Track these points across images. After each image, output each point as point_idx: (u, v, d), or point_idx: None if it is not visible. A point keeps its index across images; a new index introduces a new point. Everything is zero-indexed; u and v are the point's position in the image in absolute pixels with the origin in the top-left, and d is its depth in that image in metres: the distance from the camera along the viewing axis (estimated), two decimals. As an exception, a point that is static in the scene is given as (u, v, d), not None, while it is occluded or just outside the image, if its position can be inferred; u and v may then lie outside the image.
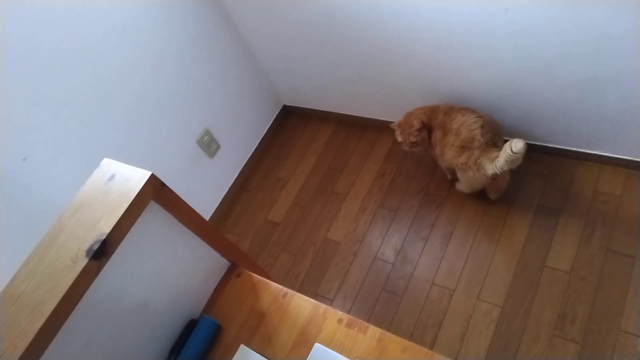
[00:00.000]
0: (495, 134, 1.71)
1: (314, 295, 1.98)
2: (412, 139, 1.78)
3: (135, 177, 0.90)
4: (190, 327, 1.07)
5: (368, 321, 1.84)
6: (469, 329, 1.69)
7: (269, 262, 2.15)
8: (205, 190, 2.29)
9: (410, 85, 2.01)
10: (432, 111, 1.84)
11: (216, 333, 1.06)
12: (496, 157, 1.56)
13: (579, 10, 1.36)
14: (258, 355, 0.97)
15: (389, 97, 2.15)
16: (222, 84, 2.22)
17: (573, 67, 1.54)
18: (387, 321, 1.81)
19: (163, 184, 0.92)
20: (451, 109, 1.80)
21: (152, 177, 0.90)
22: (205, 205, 2.32)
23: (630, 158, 1.78)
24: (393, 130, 1.93)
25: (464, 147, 1.68)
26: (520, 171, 1.94)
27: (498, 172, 1.57)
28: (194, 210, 1.00)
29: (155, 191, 0.92)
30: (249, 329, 1.05)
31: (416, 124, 1.77)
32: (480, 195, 1.96)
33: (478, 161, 1.64)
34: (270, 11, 2.00)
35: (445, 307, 1.77)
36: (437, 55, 1.78)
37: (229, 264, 1.16)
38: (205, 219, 1.04)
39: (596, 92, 1.59)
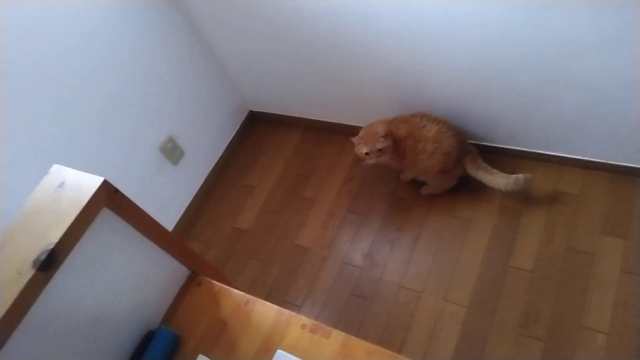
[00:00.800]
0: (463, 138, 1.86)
1: (282, 302, 1.95)
2: (379, 145, 1.78)
3: (86, 184, 0.86)
4: (147, 339, 1.03)
5: (336, 326, 1.82)
6: (436, 330, 1.70)
7: (237, 270, 2.11)
8: (169, 198, 2.24)
9: (375, 90, 2.02)
10: (391, 123, 1.86)
11: (175, 344, 1.03)
12: (496, 174, 1.81)
13: (536, 14, 1.40)
14: (218, 365, 0.94)
15: (355, 102, 2.16)
16: (186, 90, 2.19)
17: (531, 70, 1.58)
18: (356, 325, 1.81)
19: (117, 190, 0.89)
20: (410, 118, 1.85)
21: (105, 183, 0.86)
22: (170, 213, 2.27)
23: (587, 158, 1.84)
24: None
25: (447, 154, 1.79)
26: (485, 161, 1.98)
27: (503, 189, 1.80)
28: (151, 218, 0.97)
29: (108, 198, 0.88)
30: (210, 339, 1.02)
31: (381, 130, 1.78)
32: (445, 198, 1.99)
33: (474, 174, 1.85)
34: (235, 16, 1.99)
35: (413, 310, 1.78)
36: (400, 60, 1.79)
37: (189, 272, 1.13)
38: (163, 226, 1.00)
39: (553, 95, 1.64)
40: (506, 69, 1.62)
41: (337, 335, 0.96)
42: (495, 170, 1.83)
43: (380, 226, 2.03)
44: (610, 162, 1.80)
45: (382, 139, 1.78)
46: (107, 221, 0.90)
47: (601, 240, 1.72)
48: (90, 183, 0.86)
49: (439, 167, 1.83)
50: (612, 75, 1.48)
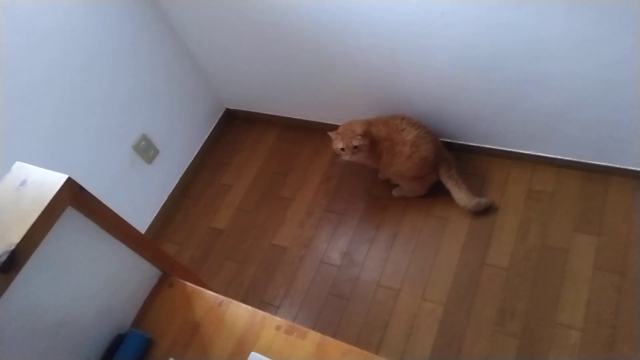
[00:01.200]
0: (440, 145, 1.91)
1: (260, 302, 1.93)
2: (355, 142, 1.78)
3: (49, 182, 0.82)
4: (117, 342, 0.99)
5: (315, 326, 1.82)
6: (413, 328, 1.70)
7: (213, 271, 2.07)
8: (143, 197, 2.19)
9: (353, 88, 2.01)
10: (370, 123, 1.86)
11: (146, 348, 0.99)
12: (463, 191, 1.86)
13: (510, 13, 1.41)
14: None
15: (333, 100, 2.15)
16: (161, 87, 2.14)
17: (505, 69, 1.59)
18: (334, 325, 1.79)
19: (82, 188, 0.85)
20: (390, 119, 1.85)
21: (69, 180, 0.83)
22: (144, 213, 2.21)
23: (560, 157, 1.87)
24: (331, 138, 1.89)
25: (424, 159, 1.81)
26: (458, 172, 2.00)
27: (462, 206, 1.88)
28: (119, 217, 0.93)
29: (73, 196, 0.84)
30: (182, 342, 0.99)
31: (359, 129, 1.77)
32: (422, 196, 1.99)
33: (445, 183, 1.89)
34: (210, 11, 1.95)
35: (391, 308, 1.77)
36: (378, 59, 1.79)
37: (161, 273, 1.09)
38: (132, 226, 0.97)
39: (527, 94, 1.65)
40: (481, 68, 1.63)
41: (313, 336, 0.95)
42: (464, 186, 1.87)
43: (359, 225, 2.03)
44: (582, 160, 1.83)
45: (358, 137, 1.77)
46: (72, 221, 0.87)
47: (575, 237, 1.74)
48: (53, 181, 0.82)
49: (414, 171, 1.84)
50: (584, 76, 1.50)
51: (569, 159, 1.85)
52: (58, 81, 1.69)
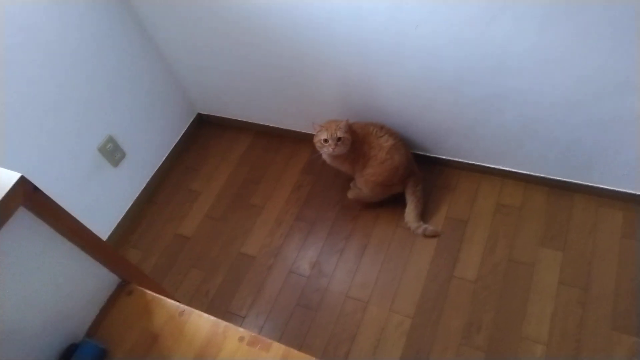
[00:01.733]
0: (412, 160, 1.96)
1: (225, 312, 1.88)
2: (339, 133, 1.76)
3: (0, 180, 0.77)
4: (69, 352, 0.94)
5: (281, 337, 1.78)
6: (381, 340, 1.68)
7: (178, 279, 2.01)
8: (107, 202, 2.11)
9: (327, 97, 2.00)
10: (351, 125, 1.86)
11: (100, 358, 0.94)
12: (417, 224, 1.89)
13: (482, 28, 1.43)
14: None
15: (307, 108, 2.13)
16: (129, 88, 2.08)
17: (476, 83, 1.62)
18: (301, 337, 1.76)
19: (36, 188, 0.81)
20: (369, 125, 1.87)
21: (22, 179, 0.78)
22: (107, 218, 2.13)
23: (528, 173, 1.90)
24: (312, 143, 1.88)
25: (395, 168, 1.83)
26: (429, 185, 2.02)
27: (407, 226, 1.92)
28: (76, 220, 0.88)
29: (26, 196, 0.79)
30: (139, 353, 0.94)
31: (342, 124, 1.78)
32: (393, 208, 1.99)
33: (407, 197, 1.91)
34: (184, 12, 1.91)
35: (359, 320, 1.75)
36: (353, 69, 1.79)
37: (119, 280, 1.04)
38: (90, 230, 0.92)
39: (497, 109, 1.68)
40: (452, 81, 1.65)
41: (277, 349, 0.92)
42: (419, 208, 1.90)
43: (329, 235, 2.01)
44: (549, 176, 1.87)
45: (344, 128, 1.77)
46: (24, 222, 0.82)
47: (541, 252, 1.77)
48: (4, 179, 0.77)
49: (383, 178, 1.85)
50: (551, 93, 1.54)
51: (537, 174, 1.89)
52: (16, 77, 1.61)
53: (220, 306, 1.90)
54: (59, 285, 0.93)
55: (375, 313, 1.76)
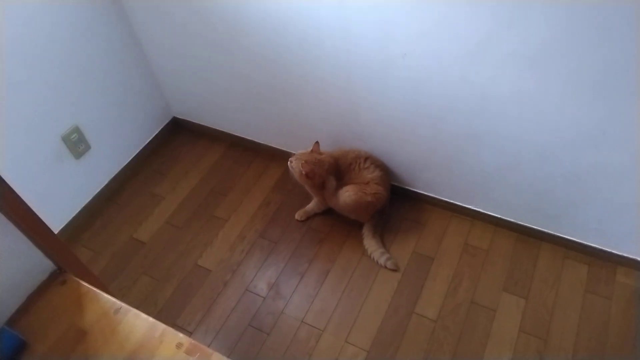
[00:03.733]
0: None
1: (172, 325, 1.73)
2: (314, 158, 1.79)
3: None
4: (-17, 341, 0.83)
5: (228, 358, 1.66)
6: (332, 372, 1.60)
7: (126, 285, 1.89)
8: (63, 194, 1.99)
9: (307, 117, 1.98)
10: (331, 157, 1.86)
11: (18, 351, 0.83)
12: (380, 251, 1.86)
13: (466, 68, 1.44)
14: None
15: (286, 126, 2.10)
16: (104, 80, 2.00)
17: (457, 120, 1.61)
18: (249, 359, 1.65)
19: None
20: (353, 157, 1.87)
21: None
22: (61, 211, 2.01)
23: (498, 216, 1.89)
24: (285, 160, 1.87)
25: (371, 203, 1.82)
26: (400, 217, 1.99)
27: (368, 254, 1.89)
28: (11, 189, 0.80)
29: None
30: (63, 349, 0.84)
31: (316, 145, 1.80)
32: (361, 236, 1.94)
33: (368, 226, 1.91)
34: (170, 14, 1.87)
35: (312, 348, 1.67)
36: (336, 91, 1.77)
37: (54, 267, 0.95)
38: (27, 205, 0.83)
39: (474, 148, 1.68)
40: (432, 116, 1.65)
41: (218, 360, 0.83)
42: (378, 233, 1.91)
43: (292, 256, 1.93)
44: (519, 222, 1.86)
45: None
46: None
47: (504, 297, 1.74)
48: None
49: (353, 205, 1.82)
50: (527, 139, 1.54)
51: (507, 218, 1.88)
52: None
53: (167, 318, 1.78)
54: (-18, 264, 0.83)
55: (329, 342, 1.67)
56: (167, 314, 1.79)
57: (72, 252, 0.97)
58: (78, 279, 0.93)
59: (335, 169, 1.83)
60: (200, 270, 1.92)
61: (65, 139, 1.90)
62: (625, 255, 1.73)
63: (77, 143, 1.95)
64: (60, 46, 1.77)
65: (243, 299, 1.82)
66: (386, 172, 1.90)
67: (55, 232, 1.96)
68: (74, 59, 1.83)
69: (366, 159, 1.86)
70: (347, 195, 1.80)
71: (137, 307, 1.78)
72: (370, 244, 1.87)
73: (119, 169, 2.22)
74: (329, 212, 2.02)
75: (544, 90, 1.39)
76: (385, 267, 1.84)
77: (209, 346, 1.68)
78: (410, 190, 2.02)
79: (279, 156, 2.25)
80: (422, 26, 1.40)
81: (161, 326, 0.86)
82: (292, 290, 1.83)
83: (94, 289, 0.91)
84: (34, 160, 1.81)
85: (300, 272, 1.88)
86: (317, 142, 1.84)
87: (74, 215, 2.05)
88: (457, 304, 1.73)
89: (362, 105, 1.78)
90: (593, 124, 1.40)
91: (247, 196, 2.15)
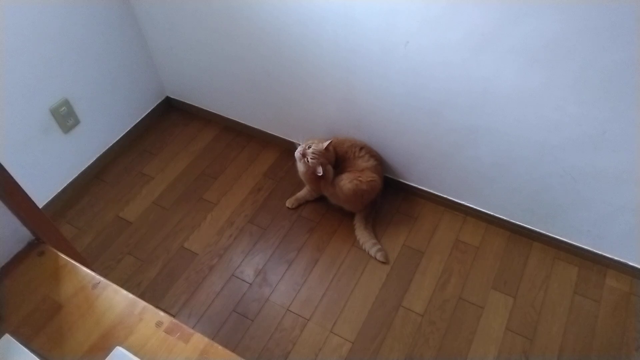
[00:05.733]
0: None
1: (155, 308, 1.72)
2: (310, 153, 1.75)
3: None
4: (-49, 310, 0.79)
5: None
6: (315, 362, 1.57)
7: (110, 265, 1.85)
8: (49, 168, 1.93)
9: (303, 103, 1.94)
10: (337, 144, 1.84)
11: (-12, 322, 0.80)
12: (372, 242, 1.84)
13: (469, 60, 1.41)
14: (25, 350, 0.73)
15: (281, 111, 2.06)
16: (98, 53, 1.94)
17: (457, 112, 1.58)
18: (232, 345, 1.62)
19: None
20: (343, 143, 1.84)
21: None
22: (46, 186, 1.96)
23: (491, 213, 1.87)
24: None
25: (366, 191, 1.79)
26: (392, 209, 1.96)
27: (360, 244, 1.87)
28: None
29: None
30: (36, 323, 0.80)
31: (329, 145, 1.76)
32: (351, 227, 1.91)
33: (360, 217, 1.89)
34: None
35: (296, 337, 1.64)
36: (334, 75, 1.73)
37: (32, 237, 0.90)
38: (7, 172, 0.79)
39: (471, 142, 1.65)
40: (431, 108, 1.62)
41: (198, 341, 0.80)
42: (370, 223, 1.89)
43: (281, 244, 1.90)
44: (512, 220, 1.84)
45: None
46: None
47: (492, 295, 1.72)
48: None
49: (349, 194, 1.78)
50: (525, 136, 1.52)
51: (500, 216, 1.86)
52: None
53: (151, 300, 1.74)
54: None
55: (314, 332, 1.65)
56: (151, 296, 1.76)
57: (52, 223, 0.93)
58: (57, 251, 0.89)
59: (334, 158, 1.80)
60: (186, 253, 1.88)
61: (54, 112, 1.85)
62: (616, 258, 1.72)
63: (66, 117, 1.90)
64: (55, 17, 1.71)
65: (229, 284, 1.79)
66: (380, 162, 1.87)
67: (40, 207, 1.91)
68: (68, 30, 1.78)
69: (361, 148, 1.83)
70: (342, 183, 1.77)
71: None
72: (363, 234, 1.85)
73: (108, 146, 2.17)
74: (320, 201, 1.99)
75: (546, 88, 1.36)
76: (375, 259, 1.81)
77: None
78: (404, 183, 2.00)
79: (273, 142, 2.21)
80: (427, 15, 1.37)
81: (141, 303, 0.83)
82: (279, 278, 1.80)
83: (73, 261, 0.87)
84: (20, 131, 1.75)
85: (289, 259, 1.85)
86: (331, 141, 1.77)
87: (59, 191, 2.00)
88: (445, 300, 1.72)
89: (360, 94, 1.74)
90: (593, 125, 1.38)
91: (238, 181, 2.11)
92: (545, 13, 1.21)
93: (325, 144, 1.73)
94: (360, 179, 1.76)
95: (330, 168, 1.78)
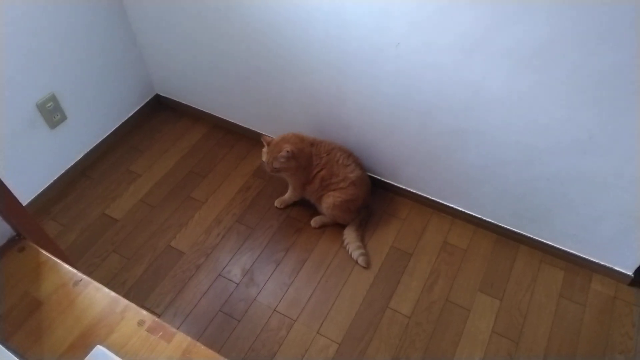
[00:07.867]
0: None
1: (140, 307, 1.69)
2: (276, 165, 1.72)
3: None
4: None
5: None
6: (301, 363, 1.56)
7: (94, 262, 1.82)
8: (34, 164, 1.90)
9: (292, 103, 1.93)
10: (311, 144, 1.80)
11: (-36, 319, 0.78)
12: (356, 245, 1.83)
13: (460, 63, 1.41)
14: (1, 347, 0.71)
15: (270, 110, 2.05)
16: (86, 49, 1.92)
17: (446, 115, 1.59)
18: (218, 345, 1.61)
19: None
20: (336, 150, 1.81)
21: None
22: (31, 182, 1.93)
23: (479, 216, 1.88)
24: (262, 144, 1.81)
25: (354, 200, 1.81)
26: (379, 211, 1.96)
27: (345, 248, 1.85)
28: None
29: None
30: (15, 320, 0.78)
31: (284, 152, 1.68)
32: (340, 228, 1.90)
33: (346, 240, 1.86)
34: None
35: (282, 338, 1.63)
36: (324, 74, 1.73)
37: (12, 233, 0.89)
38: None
39: (461, 145, 1.65)
40: (423, 108, 1.62)
41: (181, 341, 0.79)
42: (362, 230, 1.88)
43: (269, 244, 1.89)
44: (499, 223, 1.85)
45: (282, 160, 1.72)
46: None
47: (478, 297, 1.73)
48: None
49: (340, 201, 1.79)
50: (513, 139, 1.52)
51: (487, 219, 1.87)
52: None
53: (135, 299, 1.72)
54: None
55: (301, 333, 1.64)
56: (136, 295, 1.74)
57: (34, 219, 0.91)
58: (38, 247, 0.87)
59: (305, 159, 1.78)
60: (172, 252, 1.86)
61: (41, 107, 1.82)
62: (602, 263, 1.73)
63: (52, 112, 1.87)
64: (43, 10, 1.69)
65: (215, 283, 1.77)
66: (365, 172, 1.87)
67: (24, 203, 1.88)
68: (56, 24, 1.76)
69: (349, 155, 1.82)
70: (327, 203, 1.81)
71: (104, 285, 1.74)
72: (350, 235, 1.84)
73: (96, 142, 2.15)
74: (309, 202, 1.99)
75: (536, 91, 1.37)
76: (357, 263, 1.81)
77: (177, 329, 1.64)
78: (392, 185, 2.00)
79: (266, 136, 2.19)
80: (419, 16, 1.37)
81: (123, 302, 0.81)
82: (267, 278, 1.79)
83: (54, 258, 0.86)
84: (5, 125, 1.73)
85: (276, 259, 1.84)
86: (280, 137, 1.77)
87: (44, 187, 1.98)
88: (432, 302, 1.72)
89: (350, 94, 1.74)
90: (580, 129, 1.39)
91: (227, 180, 2.10)
92: (535, 17, 1.21)
93: (283, 152, 1.70)
94: (342, 197, 1.78)
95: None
